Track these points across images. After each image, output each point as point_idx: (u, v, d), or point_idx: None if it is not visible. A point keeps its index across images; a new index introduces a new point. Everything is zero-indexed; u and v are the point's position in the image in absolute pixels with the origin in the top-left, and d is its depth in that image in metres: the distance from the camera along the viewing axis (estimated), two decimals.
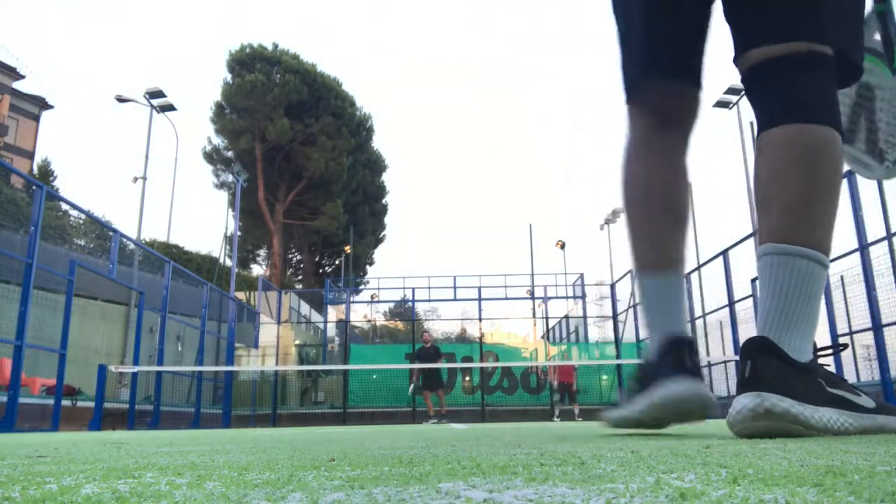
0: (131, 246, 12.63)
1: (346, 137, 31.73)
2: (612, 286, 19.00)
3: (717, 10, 1.60)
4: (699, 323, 12.97)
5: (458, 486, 0.68)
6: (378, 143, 36.80)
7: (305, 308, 25.68)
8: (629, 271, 17.72)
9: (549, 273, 22.73)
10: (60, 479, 0.91)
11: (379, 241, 38.36)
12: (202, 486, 0.77)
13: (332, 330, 23.01)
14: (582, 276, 21.51)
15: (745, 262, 11.24)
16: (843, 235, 8.18)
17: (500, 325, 26.56)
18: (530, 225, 24.95)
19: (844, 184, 8.10)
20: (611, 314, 18.72)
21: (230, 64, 31.05)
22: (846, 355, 8.49)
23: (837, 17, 1.46)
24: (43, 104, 33.00)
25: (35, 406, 8.44)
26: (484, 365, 17.51)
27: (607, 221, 25.17)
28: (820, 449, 1.07)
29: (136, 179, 17.33)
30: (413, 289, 19.63)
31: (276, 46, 31.53)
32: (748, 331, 11.14)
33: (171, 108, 18.33)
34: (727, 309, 11.50)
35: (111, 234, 10.38)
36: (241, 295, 20.60)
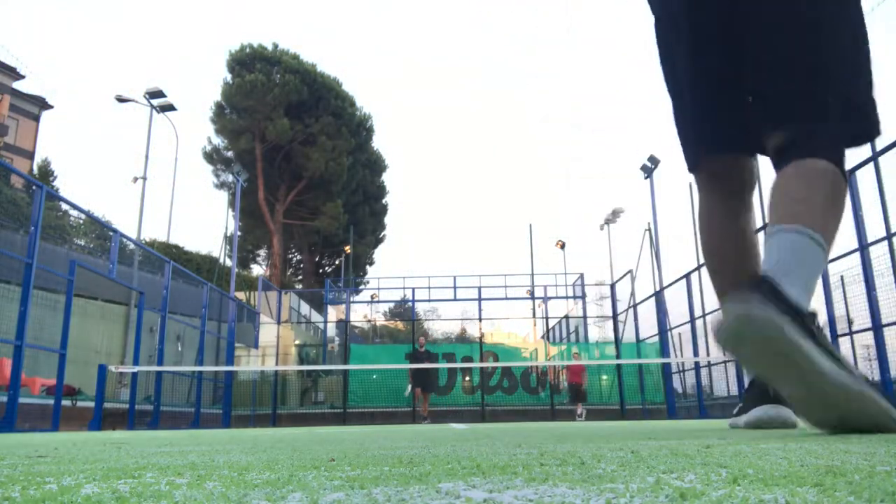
0: (131, 246, 12.63)
1: (346, 137, 31.72)
2: (612, 286, 19.00)
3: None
4: (699, 323, 12.97)
5: (458, 486, 0.68)
6: (378, 143, 36.82)
7: (305, 308, 25.68)
8: (629, 271, 17.73)
9: (549, 273, 22.71)
10: (60, 479, 0.91)
11: (379, 241, 38.37)
12: (202, 486, 0.77)
13: (332, 330, 23.01)
14: (582, 276, 21.51)
15: None
16: (843, 235, 8.18)
17: (500, 325, 26.57)
18: (530, 225, 24.94)
19: None
20: (611, 314, 18.72)
21: (230, 64, 31.05)
22: (846, 355, 8.48)
23: (852, 79, 1.67)
24: (43, 104, 33.00)
25: (35, 406, 8.44)
26: (484, 365, 17.51)
27: (607, 221, 25.17)
28: (820, 449, 1.07)
29: (136, 179, 17.34)
30: (413, 289, 19.63)
31: (276, 46, 31.53)
32: None
33: (171, 108, 18.33)
34: None
35: (111, 234, 10.38)
36: (241, 295, 20.61)
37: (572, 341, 22.39)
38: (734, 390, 11.84)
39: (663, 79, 1.99)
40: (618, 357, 17.16)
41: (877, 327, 7.58)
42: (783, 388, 1.43)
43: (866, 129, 1.68)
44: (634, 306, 16.90)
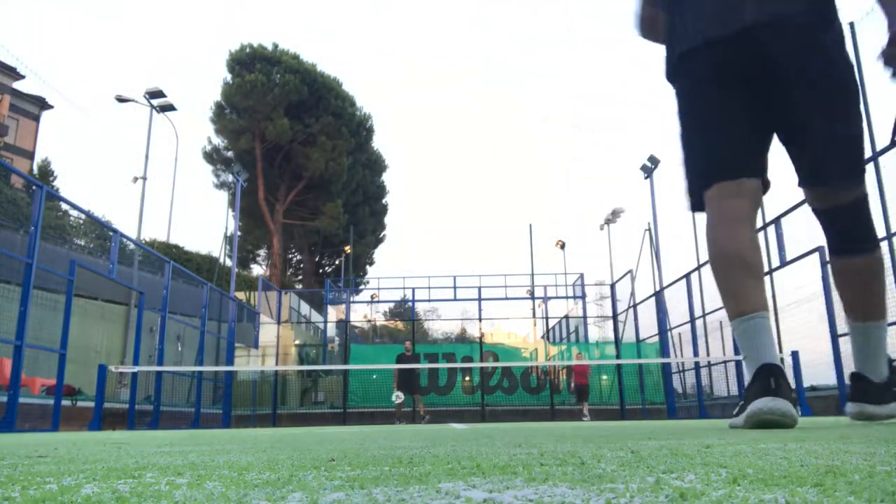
0: (131, 246, 12.63)
1: (346, 137, 31.71)
2: (612, 286, 19.00)
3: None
4: (699, 323, 12.96)
5: (458, 486, 0.68)
6: (378, 143, 36.78)
7: (305, 308, 25.67)
8: (629, 271, 17.73)
9: (549, 273, 22.71)
10: (60, 479, 0.91)
11: (379, 241, 38.36)
12: (202, 486, 0.77)
13: (332, 330, 23.00)
14: (582, 276, 21.51)
15: None
16: None
17: (500, 325, 26.57)
18: (530, 225, 24.95)
19: None
20: (611, 314, 18.72)
21: (230, 64, 31.03)
22: (847, 355, 8.49)
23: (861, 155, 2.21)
24: (43, 104, 33.00)
25: (35, 406, 8.44)
26: (484, 365, 17.51)
27: (607, 221, 25.16)
28: (820, 449, 1.07)
29: (136, 179, 17.33)
30: (413, 289, 19.63)
31: (276, 46, 31.51)
32: None
33: (171, 108, 18.33)
34: None
35: (111, 234, 10.38)
36: (241, 295, 20.60)
37: (572, 341, 22.39)
38: (734, 390, 11.84)
39: (685, 124, 2.35)
40: (618, 357, 17.16)
41: None
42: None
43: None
44: (634, 306, 16.90)
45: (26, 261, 7.34)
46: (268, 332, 18.50)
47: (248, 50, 31.06)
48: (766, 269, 10.77)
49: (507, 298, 20.03)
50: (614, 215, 24.90)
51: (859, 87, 2.28)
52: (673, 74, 2.40)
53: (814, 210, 2.32)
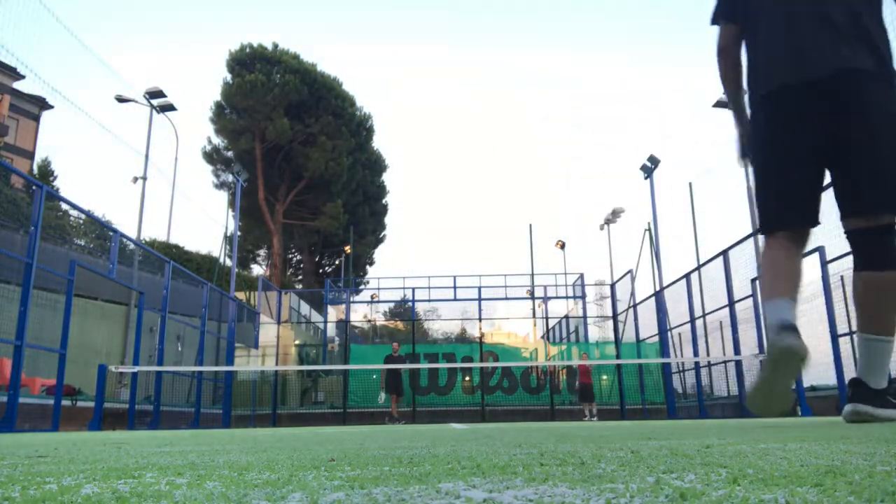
0: (131, 246, 12.63)
1: (346, 137, 31.71)
2: (612, 286, 19.00)
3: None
4: (699, 323, 12.96)
5: (458, 486, 0.68)
6: (378, 143, 36.75)
7: (305, 308, 25.67)
8: (629, 271, 17.73)
9: (549, 273, 22.71)
10: (60, 479, 0.91)
11: (379, 241, 38.36)
12: (202, 486, 0.77)
13: (332, 330, 23.00)
14: (582, 276, 21.51)
15: (745, 263, 11.23)
16: (843, 235, 8.17)
17: (500, 325, 26.57)
18: (530, 225, 24.94)
19: None
20: (611, 314, 18.72)
21: (230, 64, 31.03)
22: (847, 355, 8.49)
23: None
24: (43, 104, 33.00)
25: (35, 406, 8.44)
26: (484, 365, 17.50)
27: (607, 221, 25.16)
28: (820, 449, 1.07)
29: (136, 179, 17.32)
30: (413, 289, 19.63)
31: (276, 46, 31.51)
32: (748, 331, 11.13)
33: (171, 108, 18.32)
34: (727, 309, 11.49)
35: (111, 234, 10.38)
36: (241, 295, 20.60)
37: (572, 341, 22.39)
38: (734, 390, 11.83)
39: (759, 158, 2.67)
40: (618, 357, 17.16)
41: None
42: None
43: None
44: (634, 306, 16.90)
45: (26, 261, 7.34)
46: (268, 332, 18.49)
47: (248, 50, 31.06)
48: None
49: (507, 298, 20.03)
50: (614, 215, 24.91)
51: None
52: (754, 109, 2.69)
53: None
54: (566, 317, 23.89)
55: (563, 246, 27.21)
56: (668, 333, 14.76)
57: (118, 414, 10.36)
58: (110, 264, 9.78)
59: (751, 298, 10.83)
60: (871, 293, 2.46)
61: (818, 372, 9.50)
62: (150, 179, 17.36)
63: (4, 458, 1.45)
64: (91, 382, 9.81)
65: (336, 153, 31.10)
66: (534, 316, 22.26)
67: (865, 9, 2.47)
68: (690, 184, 17.02)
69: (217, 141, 32.51)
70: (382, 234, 38.44)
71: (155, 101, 17.89)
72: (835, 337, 8.33)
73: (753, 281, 10.92)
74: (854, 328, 8.59)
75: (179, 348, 13.88)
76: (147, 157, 17.42)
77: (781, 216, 2.58)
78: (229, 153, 32.16)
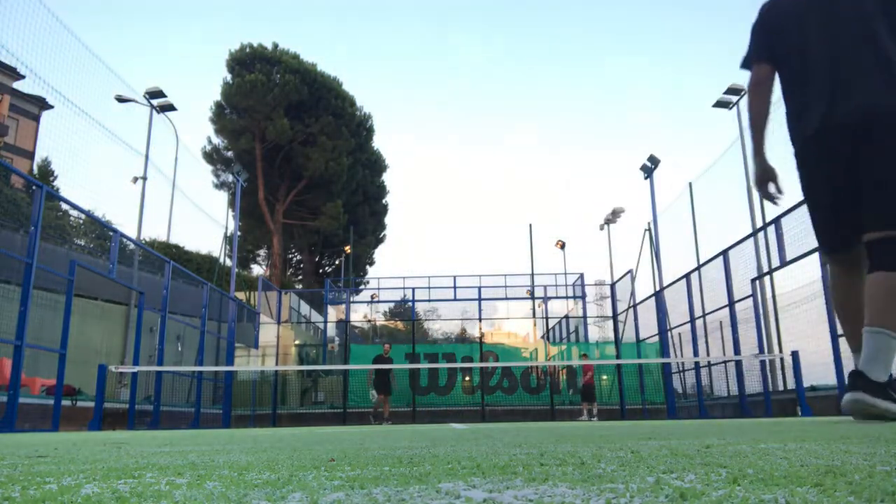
0: (131, 246, 12.63)
1: (346, 137, 31.70)
2: (612, 286, 19.00)
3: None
4: (699, 323, 12.96)
5: (458, 486, 0.68)
6: (378, 143, 36.73)
7: (305, 308, 25.67)
8: (629, 271, 17.74)
9: (549, 273, 22.71)
10: (60, 479, 0.91)
11: (379, 241, 38.35)
12: (202, 486, 0.77)
13: (332, 330, 23.00)
14: (582, 276, 21.51)
15: (745, 263, 11.23)
16: None
17: (500, 325, 26.56)
18: (530, 225, 24.95)
19: None
20: (611, 314, 18.72)
21: (230, 64, 31.03)
22: (846, 355, 8.48)
23: None
24: (43, 104, 32.98)
25: (35, 406, 8.44)
26: (484, 365, 17.51)
27: (607, 221, 25.16)
28: (820, 449, 1.07)
29: (136, 179, 17.31)
30: (413, 289, 19.63)
31: (276, 46, 31.50)
32: (748, 331, 11.13)
33: (171, 108, 18.32)
34: (727, 309, 11.49)
35: (111, 234, 10.38)
36: (241, 295, 20.60)
37: (572, 341, 22.39)
38: (734, 390, 11.84)
39: (806, 192, 2.99)
40: (618, 357, 17.17)
41: None
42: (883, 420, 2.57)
43: None
44: (634, 306, 16.90)
45: (26, 261, 7.34)
46: (268, 332, 18.49)
47: (248, 50, 31.06)
48: (766, 267, 10.77)
49: (507, 298, 20.03)
50: (614, 215, 24.90)
51: None
52: (796, 149, 2.98)
53: (867, 242, 2.74)
54: (566, 317, 23.90)
55: (563, 246, 27.21)
56: (668, 333, 14.76)
57: (118, 414, 10.36)
58: (110, 264, 9.78)
59: (750, 298, 10.84)
60: (881, 290, 2.65)
61: (818, 372, 9.50)
62: (150, 179, 17.34)
63: (4, 458, 1.45)
64: (91, 382, 9.81)
65: (336, 153, 31.10)
66: (534, 316, 22.26)
67: (894, 51, 2.72)
68: (690, 184, 17.02)
69: (217, 141, 32.52)
70: (382, 234, 38.45)
71: (155, 101, 17.89)
72: (835, 337, 8.33)
73: (753, 281, 10.93)
74: None
75: (179, 348, 13.88)
76: (147, 157, 17.42)
77: (826, 242, 2.95)
78: (229, 153, 32.16)
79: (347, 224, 32.36)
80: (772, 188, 3.13)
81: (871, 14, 2.77)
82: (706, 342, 13.02)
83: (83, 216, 13.37)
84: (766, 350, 11.22)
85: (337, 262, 36.38)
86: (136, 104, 17.64)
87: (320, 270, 37.14)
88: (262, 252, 36.16)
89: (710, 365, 13.45)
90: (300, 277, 36.55)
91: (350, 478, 0.82)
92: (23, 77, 31.58)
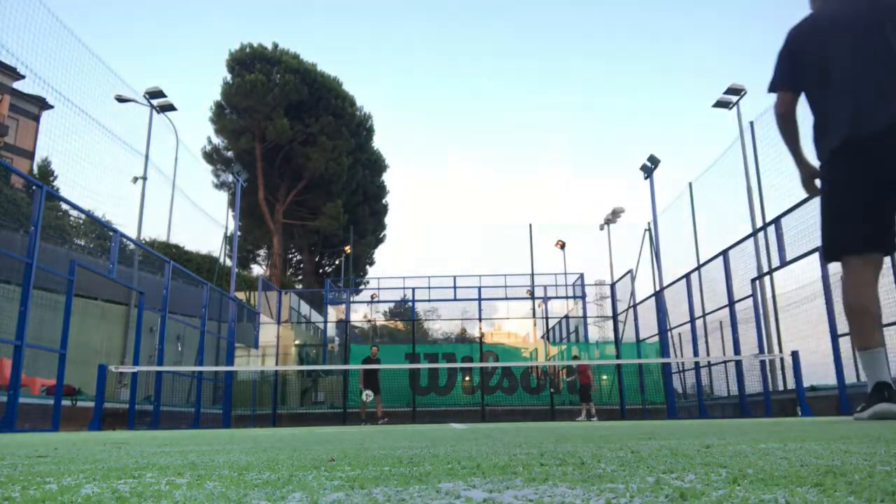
0: (131, 246, 12.63)
1: (346, 137, 31.70)
2: (612, 286, 19.00)
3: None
4: (699, 323, 12.96)
5: (458, 486, 0.68)
6: (378, 143, 36.71)
7: (305, 308, 25.67)
8: (629, 271, 17.74)
9: (549, 273, 22.71)
10: (60, 479, 0.91)
11: (379, 241, 38.34)
12: (202, 486, 0.77)
13: (332, 330, 23.01)
14: (582, 276, 21.51)
15: (745, 263, 11.23)
16: None
17: (500, 325, 26.56)
18: (530, 225, 24.93)
19: None
20: (611, 314, 18.73)
21: (230, 64, 31.02)
22: (846, 355, 8.48)
23: None
24: (43, 104, 32.98)
25: (35, 406, 8.44)
26: (484, 365, 17.51)
27: (607, 221, 25.16)
28: (820, 449, 1.07)
29: (136, 179, 17.30)
30: (413, 289, 19.64)
31: (276, 46, 31.50)
32: (748, 331, 11.14)
33: (171, 108, 18.32)
34: (727, 309, 11.49)
35: (111, 234, 10.38)
36: (241, 295, 20.60)
37: (572, 341, 22.40)
38: (734, 390, 11.84)
39: (828, 200, 3.11)
40: (618, 357, 17.17)
41: None
42: None
43: None
44: (634, 306, 16.90)
45: (26, 261, 7.34)
46: (268, 332, 18.49)
47: (248, 50, 31.06)
48: (766, 267, 10.77)
49: (507, 298, 20.04)
50: (614, 215, 24.90)
51: None
52: (822, 161, 3.10)
53: None
54: (566, 317, 23.89)
55: (563, 246, 27.20)
56: (668, 333, 14.77)
57: (118, 414, 10.36)
58: (110, 264, 9.78)
59: (750, 298, 10.84)
60: None
61: (818, 372, 9.50)
62: (150, 179, 17.35)
63: (4, 458, 1.45)
64: (91, 382, 9.81)
65: (336, 153, 31.09)
66: (534, 316, 22.27)
67: None
68: (690, 184, 17.02)
69: (217, 141, 32.52)
70: (382, 234, 38.43)
71: (155, 101, 17.89)
72: (835, 337, 8.33)
73: (753, 281, 10.92)
74: None
75: (179, 348, 13.88)
76: (147, 157, 17.42)
77: (851, 241, 3.03)
78: (229, 153, 32.16)
79: (347, 224, 32.35)
80: (817, 184, 3.26)
81: (891, 29, 2.93)
82: (706, 342, 13.02)
83: (83, 216, 13.37)
84: (766, 350, 11.22)
85: (337, 262, 36.38)
86: (136, 104, 17.64)
87: (320, 270, 37.14)
88: (262, 252, 36.16)
89: (710, 365, 13.45)
90: (300, 277, 36.55)
91: (350, 478, 0.82)
92: (23, 77, 31.57)
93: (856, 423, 2.68)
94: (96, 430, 8.57)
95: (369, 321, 28.19)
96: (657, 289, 15.85)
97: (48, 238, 11.56)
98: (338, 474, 0.88)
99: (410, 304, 19.85)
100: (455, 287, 19.63)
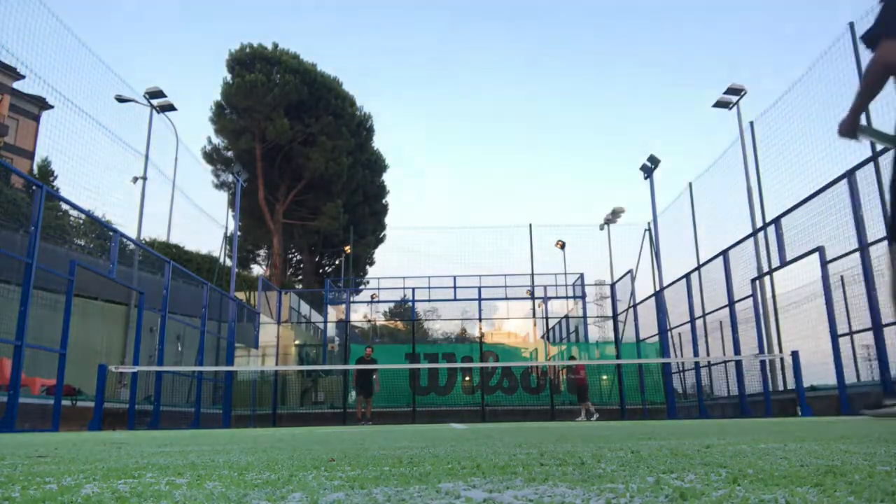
0: (131, 246, 12.62)
1: (346, 137, 31.69)
2: (612, 286, 19.00)
3: None
4: (699, 323, 12.96)
5: (458, 486, 0.68)
6: (378, 143, 36.70)
7: (305, 308, 25.67)
8: (629, 271, 17.73)
9: (550, 273, 22.70)
10: (60, 479, 0.91)
11: (379, 241, 38.31)
12: (202, 486, 0.77)
13: (332, 330, 23.00)
14: (582, 276, 21.51)
15: (745, 263, 11.23)
16: (843, 235, 8.18)
17: (500, 325, 26.55)
18: (530, 225, 24.92)
19: (844, 184, 8.10)
20: (611, 314, 18.72)
21: (230, 64, 31.01)
22: (846, 355, 8.48)
23: None
24: (43, 104, 32.97)
25: (35, 406, 8.44)
26: (484, 365, 17.51)
27: (607, 221, 25.15)
28: (820, 449, 1.07)
29: (136, 179, 17.30)
30: (413, 289, 19.63)
31: (276, 46, 31.49)
32: (748, 331, 11.13)
33: (171, 108, 18.32)
34: (727, 309, 11.49)
35: (111, 234, 10.38)
36: (241, 295, 20.60)
37: (572, 341, 22.39)
38: (734, 390, 11.83)
39: None
40: (618, 357, 17.16)
41: (877, 327, 7.58)
42: None
43: None
44: (634, 306, 16.90)
45: (26, 261, 7.34)
46: (268, 332, 18.49)
47: (248, 50, 31.04)
48: (766, 267, 10.76)
49: (507, 298, 20.03)
50: (614, 215, 24.89)
51: None
52: None
53: None
54: (566, 317, 23.89)
55: (563, 246, 27.20)
56: (668, 333, 14.76)
57: (118, 414, 10.36)
58: (110, 264, 9.78)
59: (750, 298, 10.83)
60: None
61: (818, 372, 9.50)
62: (151, 179, 17.35)
63: (4, 458, 1.45)
64: (91, 382, 9.81)
65: (336, 153, 31.09)
66: (534, 316, 22.26)
67: None
68: (690, 184, 17.01)
69: (217, 141, 32.50)
70: (382, 234, 38.41)
71: (155, 101, 17.89)
72: (835, 337, 8.33)
73: (753, 281, 10.92)
74: (853, 326, 8.61)
75: (179, 348, 13.88)
76: (147, 157, 17.42)
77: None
78: (229, 153, 32.15)
79: (347, 224, 32.35)
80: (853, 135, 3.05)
81: None
82: (706, 342, 13.02)
83: (83, 216, 13.37)
84: (766, 350, 11.22)
85: (337, 262, 36.37)
86: (136, 104, 17.64)
87: (320, 270, 37.13)
88: (262, 252, 36.15)
89: (710, 365, 13.45)
90: (300, 277, 36.54)
91: (350, 478, 0.82)
92: (23, 77, 31.55)
93: (856, 424, 2.65)
94: (96, 430, 8.57)
95: (369, 321, 28.18)
96: (657, 289, 15.85)
97: (48, 238, 11.56)
98: (338, 474, 0.88)
99: (410, 304, 19.84)
100: (455, 287, 19.63)
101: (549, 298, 22.16)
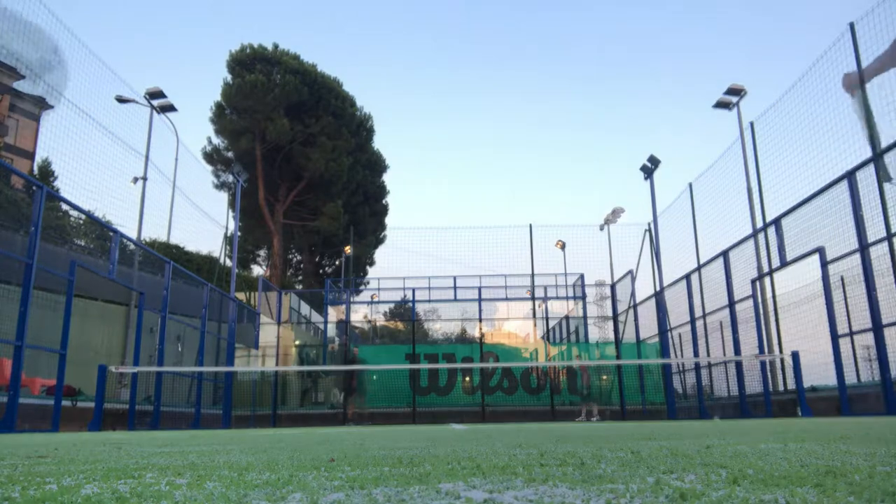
0: (131, 246, 12.62)
1: (346, 137, 31.70)
2: (612, 286, 19.00)
3: None
4: (699, 323, 12.96)
5: (458, 486, 0.68)
6: (378, 143, 36.70)
7: (305, 308, 25.66)
8: (629, 271, 17.73)
9: (550, 273, 22.69)
10: (60, 479, 0.91)
11: (379, 241, 38.30)
12: (202, 486, 0.77)
13: (332, 330, 22.99)
14: (582, 276, 21.49)
15: (745, 263, 11.23)
16: (843, 236, 8.18)
17: (500, 325, 26.53)
18: (530, 225, 24.92)
19: (844, 184, 8.10)
20: (611, 314, 18.72)
21: (230, 64, 31.02)
22: (847, 356, 8.48)
23: None
24: (43, 104, 32.97)
25: (35, 406, 8.44)
26: (484, 365, 17.51)
27: (607, 221, 25.15)
28: (820, 449, 1.07)
29: (136, 180, 17.30)
30: (413, 289, 19.63)
31: (276, 46, 31.50)
32: (748, 331, 11.13)
33: (171, 108, 18.32)
34: (727, 309, 11.49)
35: (111, 234, 10.38)
36: (241, 295, 20.59)
37: (572, 341, 22.39)
38: (734, 390, 11.83)
39: None
40: (618, 357, 17.16)
41: (877, 327, 7.58)
42: None
43: None
44: (634, 306, 16.90)
45: (26, 261, 7.34)
46: (268, 332, 18.49)
47: (248, 50, 31.05)
48: (766, 268, 10.76)
49: (507, 299, 20.02)
50: (614, 215, 24.88)
51: None
52: None
53: None
54: (566, 317, 23.88)
55: (563, 246, 27.19)
56: (669, 334, 14.76)
57: (118, 414, 10.36)
58: (110, 265, 9.78)
59: (750, 299, 10.83)
60: None
61: (818, 372, 9.50)
62: (151, 180, 17.36)
63: (4, 458, 1.45)
64: (91, 383, 9.80)
65: (336, 153, 31.09)
66: (534, 316, 22.25)
67: None
68: (690, 184, 17.01)
69: (217, 141, 32.50)
70: (382, 234, 38.40)
71: (155, 102, 17.89)
72: (835, 337, 8.33)
73: (753, 281, 10.92)
74: (853, 326, 8.62)
75: (179, 349, 13.87)
76: (147, 157, 17.42)
77: None
78: (229, 153, 32.15)
79: (347, 224, 32.34)
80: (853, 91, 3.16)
81: None
82: (706, 342, 13.02)
83: (83, 216, 13.37)
84: (766, 350, 11.22)
85: (337, 263, 36.36)
86: (136, 104, 17.64)
87: (320, 271, 37.12)
88: (262, 252, 36.15)
89: (710, 365, 13.44)
90: (300, 278, 36.54)
91: (350, 478, 0.82)
92: (23, 77, 31.53)
93: (856, 424, 2.63)
94: (96, 430, 8.57)
95: (369, 321, 28.16)
96: (657, 289, 15.85)
97: (48, 238, 11.55)
98: (338, 475, 0.88)
99: (411, 304, 19.84)
100: (455, 287, 19.63)
101: (550, 299, 22.16)
